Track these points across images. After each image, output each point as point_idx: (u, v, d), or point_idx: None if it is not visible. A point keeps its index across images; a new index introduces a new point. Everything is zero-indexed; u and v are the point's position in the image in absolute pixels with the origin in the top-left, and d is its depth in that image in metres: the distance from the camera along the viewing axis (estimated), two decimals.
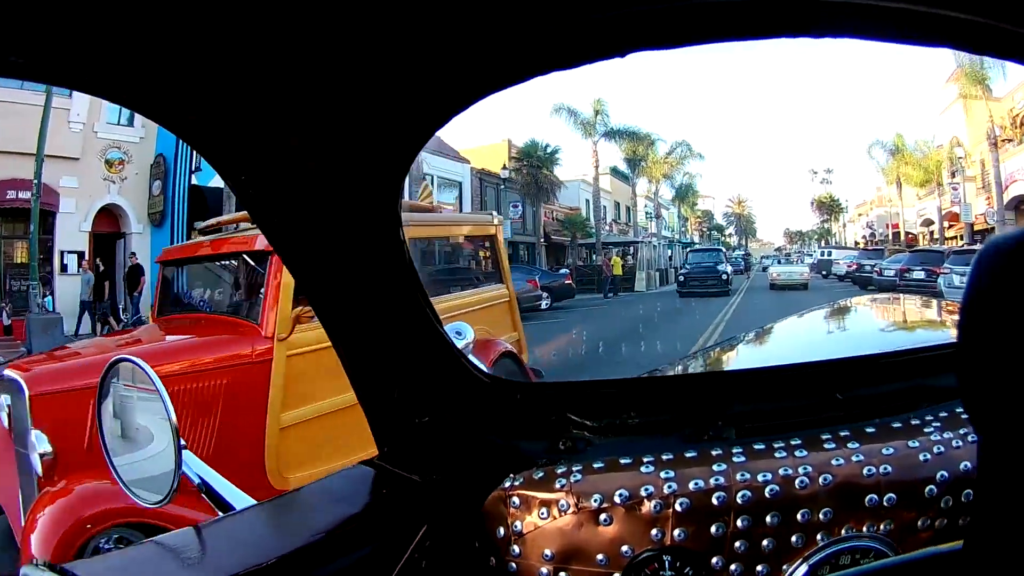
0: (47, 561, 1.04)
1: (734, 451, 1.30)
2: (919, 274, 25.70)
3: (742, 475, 1.25)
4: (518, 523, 1.27)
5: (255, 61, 0.83)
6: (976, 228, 42.19)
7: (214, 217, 7.66)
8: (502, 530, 1.28)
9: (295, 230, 1.10)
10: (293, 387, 5.23)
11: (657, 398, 1.47)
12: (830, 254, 51.30)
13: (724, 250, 43.79)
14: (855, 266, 37.57)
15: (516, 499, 1.28)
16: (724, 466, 1.27)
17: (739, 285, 39.61)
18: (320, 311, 1.24)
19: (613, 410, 1.41)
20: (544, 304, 28.73)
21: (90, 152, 23.65)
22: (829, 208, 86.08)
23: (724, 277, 35.52)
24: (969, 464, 1.26)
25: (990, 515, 0.60)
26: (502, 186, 44.37)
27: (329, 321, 1.25)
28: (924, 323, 3.40)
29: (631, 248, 50.51)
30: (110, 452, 1.52)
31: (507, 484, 1.30)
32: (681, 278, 36.88)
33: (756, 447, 1.31)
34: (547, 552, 1.25)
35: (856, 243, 70.33)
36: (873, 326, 3.47)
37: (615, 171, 60.72)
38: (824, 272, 46.17)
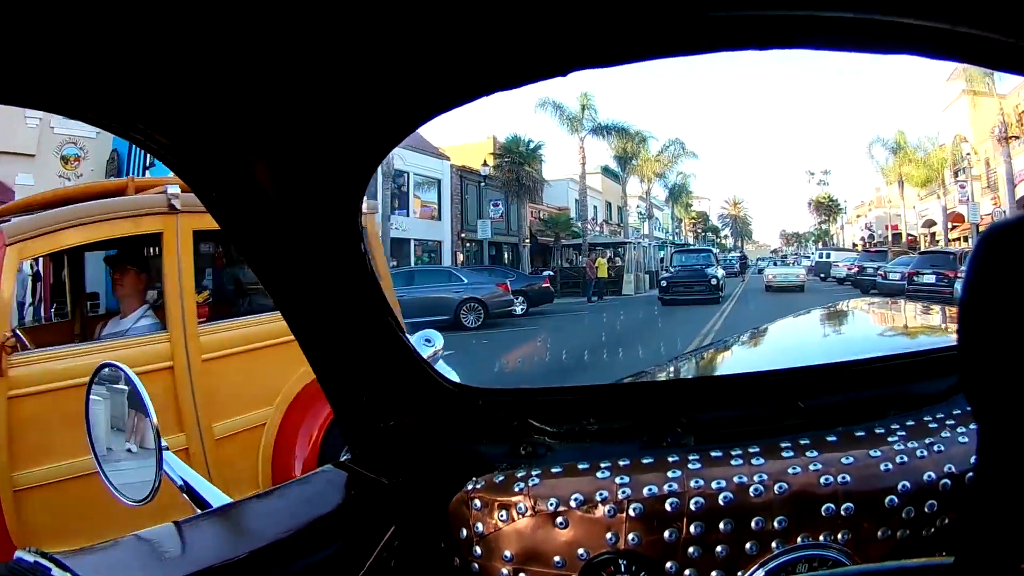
0: (38, 549, 1.06)
1: (690, 458, 1.31)
2: (929, 278, 23.57)
3: (696, 482, 1.26)
4: (479, 525, 1.29)
5: (220, 78, 0.86)
6: (982, 229, 39.72)
7: None
8: (465, 531, 1.31)
9: (263, 243, 1.13)
10: (25, 438, 3.92)
11: (617, 405, 1.49)
12: (828, 256, 48.91)
13: (715, 251, 38.81)
14: (856, 269, 35.42)
15: (478, 501, 1.30)
16: (679, 472, 1.27)
17: (732, 290, 36.01)
18: (290, 320, 1.25)
19: (573, 416, 1.42)
20: (519, 309, 26.74)
21: (46, 148, 23.07)
22: (827, 209, 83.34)
23: (714, 282, 30.47)
24: (933, 475, 1.27)
25: (987, 514, 0.60)
26: (482, 184, 42.45)
27: (299, 329, 1.26)
28: (902, 329, 3.24)
29: (620, 249, 47.77)
30: (97, 453, 1.57)
31: (469, 487, 1.32)
32: (663, 283, 31.69)
33: (713, 454, 1.32)
34: (507, 553, 1.27)
35: (854, 245, 68.61)
36: (855, 331, 3.37)
37: (606, 170, 58.45)
38: (822, 275, 44.54)
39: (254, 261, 1.19)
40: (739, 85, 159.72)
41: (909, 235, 59.92)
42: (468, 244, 42.57)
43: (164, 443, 1.42)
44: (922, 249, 35.94)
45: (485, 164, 41.79)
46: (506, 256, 45.35)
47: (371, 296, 1.23)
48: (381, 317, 1.27)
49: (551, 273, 39.19)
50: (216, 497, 1.45)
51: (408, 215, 38.65)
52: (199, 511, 1.42)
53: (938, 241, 49.41)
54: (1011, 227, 0.56)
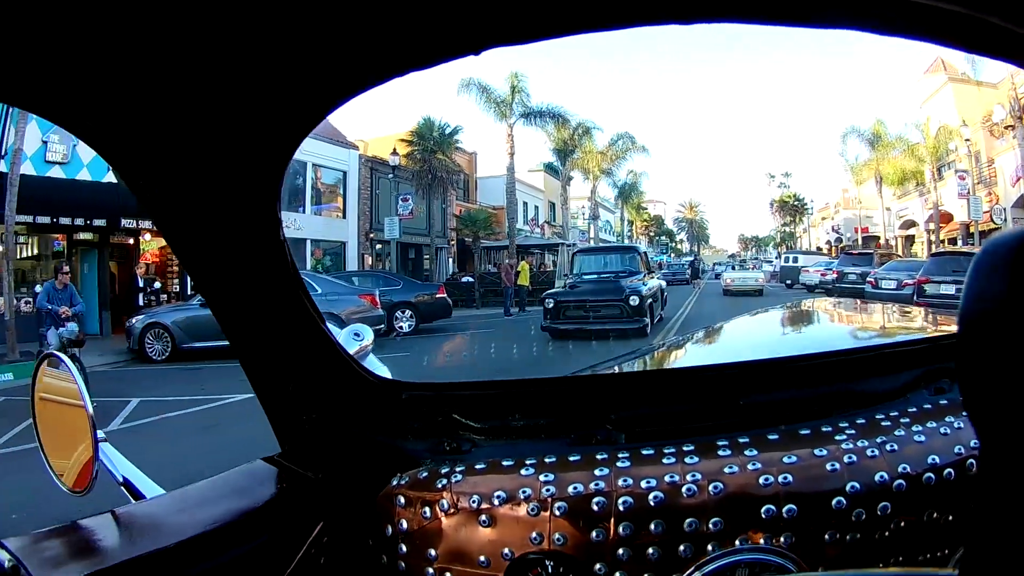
0: None
1: (620, 456, 1.27)
2: (948, 288, 17.63)
3: (624, 481, 1.22)
4: (404, 522, 1.27)
5: (126, 64, 0.85)
6: (974, 229, 35.41)
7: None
8: (390, 528, 1.28)
9: (187, 233, 1.12)
10: None
11: (546, 401, 1.44)
12: (796, 260, 42.89)
13: (643, 250, 23.88)
14: (836, 274, 29.12)
15: (402, 498, 1.28)
16: (607, 471, 1.23)
17: (681, 301, 28.99)
18: (215, 310, 1.23)
19: (499, 412, 1.39)
20: (407, 326, 21.53)
21: None
22: (792, 209, 76.38)
23: (634, 301, 17.14)
24: (886, 475, 1.22)
25: (989, 529, 0.59)
26: (392, 176, 35.83)
27: (225, 321, 1.25)
28: (857, 327, 3.09)
29: (554, 253, 40.79)
30: (42, 441, 1.57)
31: (394, 483, 1.30)
32: (551, 302, 18.20)
33: (644, 452, 1.28)
34: (431, 552, 1.24)
35: (818, 248, 63.40)
36: (809, 329, 3.25)
37: (549, 168, 51.90)
38: (788, 281, 38.74)
39: (180, 252, 1.15)
40: (695, 83, 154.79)
41: (879, 239, 54.47)
42: (378, 246, 36.65)
43: (102, 435, 1.42)
44: (947, 250, 29.53)
45: (394, 153, 34.71)
46: (425, 260, 39.35)
47: (291, 287, 1.20)
48: (302, 308, 1.24)
49: (470, 279, 33.26)
50: (151, 488, 1.44)
51: (304, 212, 33.28)
52: (133, 501, 1.40)
53: (913, 245, 45.57)
54: (1011, 244, 0.55)
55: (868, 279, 23.86)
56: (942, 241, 40.37)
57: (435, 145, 35.97)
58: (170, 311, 18.24)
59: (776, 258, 65.94)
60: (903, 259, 30.07)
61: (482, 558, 1.22)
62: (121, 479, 1.45)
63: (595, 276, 20.32)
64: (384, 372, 1.48)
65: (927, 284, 18.82)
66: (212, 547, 1.14)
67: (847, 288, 26.00)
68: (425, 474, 1.30)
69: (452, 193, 41.18)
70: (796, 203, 75.28)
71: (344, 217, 35.69)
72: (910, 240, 48.20)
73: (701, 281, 53.74)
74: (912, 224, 47.34)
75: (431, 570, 1.25)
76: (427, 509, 1.25)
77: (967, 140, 36.33)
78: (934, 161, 40.00)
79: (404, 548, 1.27)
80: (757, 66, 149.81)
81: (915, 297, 18.83)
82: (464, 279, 34.98)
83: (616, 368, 2.49)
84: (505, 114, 37.78)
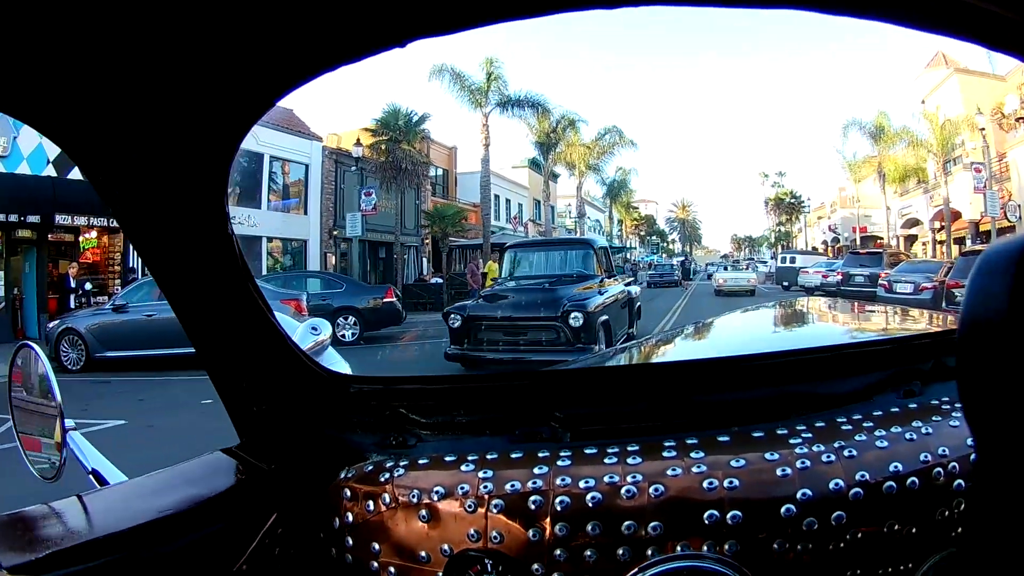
0: None
1: (561, 454, 1.23)
2: None
3: (562, 480, 1.18)
4: (350, 515, 1.27)
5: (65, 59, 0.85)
6: (987, 227, 33.17)
7: None
8: (338, 521, 1.28)
9: (141, 225, 1.13)
10: None
11: (491, 397, 1.42)
12: (793, 260, 39.81)
13: (599, 246, 14.82)
14: (840, 276, 25.95)
15: (348, 491, 1.28)
16: (546, 469, 1.20)
17: (668, 306, 26.46)
18: (172, 302, 1.24)
19: (444, 407, 1.38)
20: (348, 335, 18.53)
21: None
22: (789, 208, 72.19)
23: (577, 322, 11.56)
24: (841, 483, 1.15)
25: (987, 530, 0.60)
26: (355, 168, 32.80)
27: (181, 314, 1.26)
28: (828, 324, 3.08)
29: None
30: (17, 428, 1.63)
31: (342, 476, 1.30)
32: (457, 320, 12.58)
33: (587, 452, 1.24)
34: (375, 546, 1.24)
35: (814, 248, 60.60)
36: (776, 327, 3.12)
37: (534, 164, 48.61)
38: (786, 283, 35.80)
39: (138, 245, 1.15)
40: (688, 81, 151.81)
41: (877, 239, 51.77)
42: (343, 244, 33.81)
43: (70, 423, 1.47)
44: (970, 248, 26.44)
45: (358, 143, 31.49)
46: (396, 258, 35.80)
47: (240, 281, 1.21)
48: (251, 302, 1.24)
49: (439, 281, 30.21)
50: (118, 478, 1.48)
51: (261, 207, 30.62)
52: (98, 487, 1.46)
53: (914, 245, 43.18)
54: (1012, 252, 0.56)
55: (881, 282, 21.14)
56: (941, 243, 38.17)
57: (400, 134, 32.93)
58: (87, 316, 16.12)
59: (771, 258, 62.90)
60: (917, 260, 27.43)
61: (422, 553, 1.19)
62: (90, 468, 1.48)
63: (527, 284, 13.43)
64: (343, 366, 1.50)
65: (956, 288, 16.30)
66: (168, 532, 1.15)
67: (853, 291, 23.38)
68: (370, 467, 1.28)
69: (427, 188, 38.07)
70: (793, 200, 71.15)
71: (306, 213, 33.03)
72: (911, 240, 45.68)
73: (692, 282, 50.51)
74: (915, 223, 44.55)
75: (375, 564, 1.23)
76: (371, 502, 1.24)
77: (982, 129, 33.33)
78: (944, 154, 37.19)
79: (350, 541, 1.25)
80: (751, 64, 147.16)
81: (943, 303, 16.87)
82: (434, 280, 31.85)
83: (569, 365, 2.53)
84: (479, 103, 34.61)
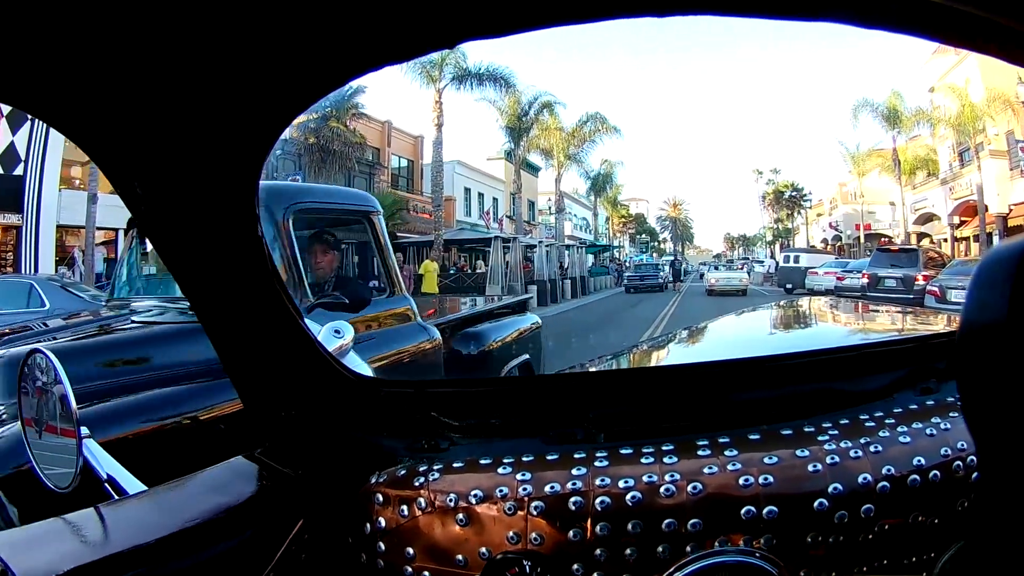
0: None
1: (598, 455, 1.22)
2: None
3: (602, 480, 1.17)
4: (382, 520, 1.24)
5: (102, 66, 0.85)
6: (1018, 221, 29.13)
7: None
8: (368, 527, 1.25)
9: (166, 226, 1.11)
10: None
11: (524, 399, 1.41)
12: (797, 259, 34.54)
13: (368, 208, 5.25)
14: (866, 279, 20.41)
15: (380, 496, 1.25)
16: (584, 470, 1.19)
17: (649, 316, 21.78)
18: (194, 305, 1.23)
19: (477, 410, 1.37)
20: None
21: None
22: (789, 202, 64.86)
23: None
24: (869, 477, 1.17)
25: (988, 531, 0.62)
26: (279, 152, 27.45)
27: (203, 315, 1.24)
28: (842, 326, 3.09)
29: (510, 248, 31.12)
30: (28, 438, 1.58)
31: (372, 480, 1.27)
32: None
33: (623, 452, 1.23)
34: (409, 550, 1.21)
35: (814, 247, 53.93)
36: (793, 328, 3.24)
37: (511, 156, 42.99)
38: (789, 286, 30.63)
39: (159, 246, 1.13)
40: (678, 76, 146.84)
41: (885, 236, 47.46)
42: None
43: (85, 431, 1.43)
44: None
45: None
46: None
47: (268, 283, 1.18)
48: (280, 305, 1.22)
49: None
50: (134, 486, 1.43)
51: None
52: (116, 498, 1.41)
53: (922, 243, 36.79)
54: (1013, 254, 0.56)
55: (930, 287, 15.96)
56: (962, 239, 34.49)
57: (329, 111, 27.94)
58: None
59: (769, 257, 57.34)
60: (970, 259, 21.56)
61: (459, 557, 1.17)
62: (105, 476, 1.44)
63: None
64: (365, 369, 1.46)
65: None
66: (193, 543, 1.13)
67: (883, 298, 18.08)
68: (403, 472, 1.26)
69: (383, 178, 32.81)
70: (794, 194, 64.08)
71: None
72: (922, 238, 40.51)
73: (683, 284, 45.00)
74: (930, 218, 39.50)
75: (409, 569, 1.20)
76: (405, 507, 1.22)
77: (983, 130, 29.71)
78: (972, 134, 32.30)
79: (382, 546, 1.22)
80: (743, 58, 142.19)
81: None
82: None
83: (597, 367, 2.43)
84: (433, 77, 29.70)
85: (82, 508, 1.22)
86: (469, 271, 27.71)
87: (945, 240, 36.07)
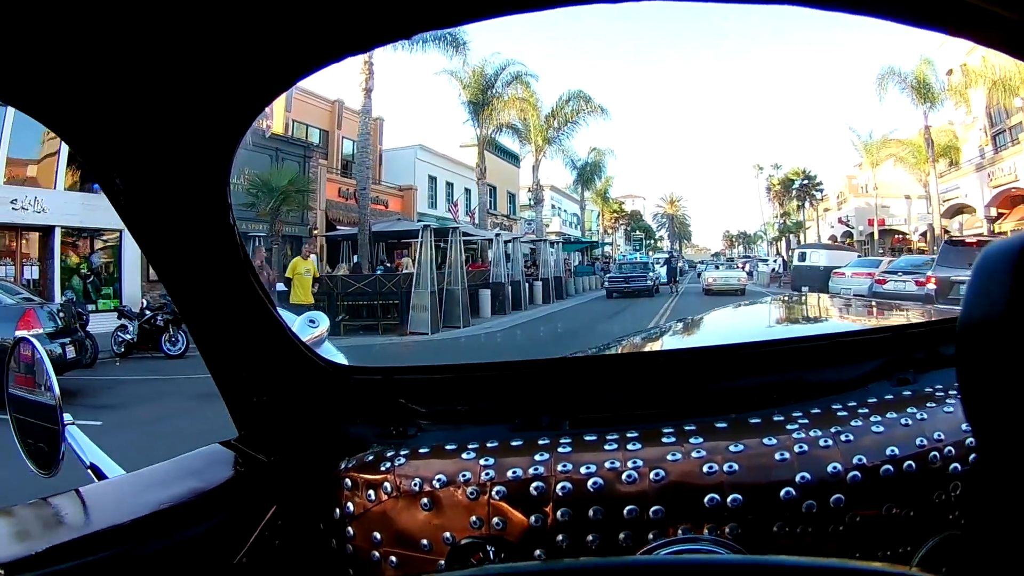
0: None
1: (561, 441, 1.23)
2: None
3: (564, 466, 1.18)
4: (350, 505, 1.24)
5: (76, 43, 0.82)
6: None
7: None
8: (338, 512, 1.26)
9: (141, 214, 1.10)
10: None
11: (491, 386, 1.41)
12: (804, 257, 28.98)
13: None
14: (934, 283, 14.17)
15: (349, 481, 1.26)
16: (547, 456, 1.20)
17: (633, 329, 14.81)
18: (172, 293, 1.22)
19: (444, 397, 1.37)
20: None
21: None
22: (800, 192, 55.59)
23: None
24: (839, 467, 1.15)
25: (989, 519, 0.62)
26: None
27: (179, 302, 1.23)
28: (821, 316, 3.06)
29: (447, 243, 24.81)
30: (14, 424, 1.57)
31: (342, 466, 1.28)
32: None
33: (587, 438, 1.23)
34: (376, 535, 1.21)
35: (833, 241, 47.97)
36: (767, 320, 3.00)
37: (489, 143, 37.38)
38: (806, 288, 22.89)
39: (137, 234, 1.11)
40: (675, 71, 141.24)
41: (898, 234, 43.03)
42: None
43: (68, 417, 1.43)
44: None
45: None
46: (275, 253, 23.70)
47: (241, 271, 1.18)
48: (252, 292, 1.20)
49: (282, 289, 18.32)
50: (116, 472, 1.44)
51: (55, 187, 21.57)
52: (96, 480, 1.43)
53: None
54: (1012, 250, 0.56)
55: None
56: (1000, 234, 27.45)
57: None
58: None
59: (776, 255, 51.09)
60: None
61: (424, 542, 1.18)
62: (88, 463, 1.45)
63: None
64: (339, 359, 1.44)
65: None
66: (168, 525, 1.12)
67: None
68: (371, 457, 1.26)
69: (319, 164, 27.06)
70: (805, 182, 55.14)
71: None
72: (933, 234, 34.93)
73: (680, 285, 39.10)
74: (962, 210, 33.41)
75: (376, 554, 1.21)
76: (372, 492, 1.22)
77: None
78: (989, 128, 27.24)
79: (351, 531, 1.23)
80: (742, 46, 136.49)
81: None
82: (279, 287, 20.91)
83: (576, 353, 2.38)
84: None
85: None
86: (405, 271, 21.77)
87: (982, 236, 30.25)
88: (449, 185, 37.41)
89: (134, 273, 22.16)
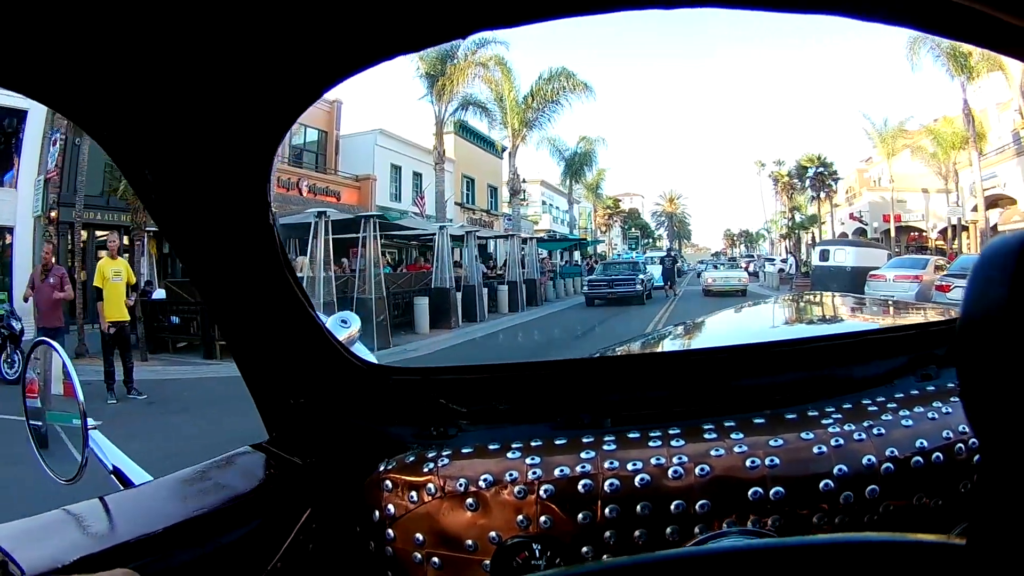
0: None
1: (606, 439, 1.23)
2: None
3: (610, 463, 1.17)
4: (391, 507, 1.23)
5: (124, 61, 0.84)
6: None
7: None
8: (377, 514, 1.24)
9: (177, 215, 1.08)
10: None
11: (532, 385, 1.40)
12: (826, 256, 23.98)
13: None
14: None
15: (389, 483, 1.24)
16: (593, 454, 1.19)
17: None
18: (206, 297, 1.21)
19: (485, 396, 1.35)
20: None
21: None
22: (816, 180, 46.78)
23: None
24: (873, 459, 1.18)
25: (992, 519, 0.61)
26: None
27: (214, 307, 1.22)
28: (844, 316, 3.04)
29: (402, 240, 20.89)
30: (32, 430, 1.53)
31: (381, 468, 1.26)
32: None
33: (630, 436, 1.24)
34: (418, 537, 1.20)
35: (862, 236, 42.45)
36: (794, 318, 3.09)
37: (464, 130, 32.76)
38: (835, 290, 17.24)
39: (171, 236, 1.10)
40: (674, 69, 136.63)
41: (915, 231, 38.59)
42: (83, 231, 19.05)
43: (92, 423, 1.39)
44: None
45: None
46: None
47: (279, 271, 1.15)
48: (290, 293, 1.19)
49: (163, 295, 16.12)
50: (141, 477, 1.39)
51: None
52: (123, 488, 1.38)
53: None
54: (1015, 244, 0.55)
55: None
56: None
57: None
58: None
59: (785, 254, 45.75)
60: None
61: (469, 542, 1.16)
62: (111, 467, 1.40)
63: None
64: (371, 359, 1.42)
65: None
66: (200, 533, 1.09)
67: None
68: (412, 458, 1.24)
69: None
70: (821, 169, 46.26)
71: (15, 187, 19.36)
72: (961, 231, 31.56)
73: (679, 287, 33.96)
74: (997, 202, 29.07)
75: (418, 555, 1.19)
76: (414, 493, 1.20)
77: None
78: None
79: (391, 533, 1.21)
80: (743, 45, 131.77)
81: None
82: (155, 295, 16.27)
83: (609, 350, 2.40)
84: None
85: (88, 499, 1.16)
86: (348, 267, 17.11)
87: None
88: (417, 176, 32.75)
89: None
